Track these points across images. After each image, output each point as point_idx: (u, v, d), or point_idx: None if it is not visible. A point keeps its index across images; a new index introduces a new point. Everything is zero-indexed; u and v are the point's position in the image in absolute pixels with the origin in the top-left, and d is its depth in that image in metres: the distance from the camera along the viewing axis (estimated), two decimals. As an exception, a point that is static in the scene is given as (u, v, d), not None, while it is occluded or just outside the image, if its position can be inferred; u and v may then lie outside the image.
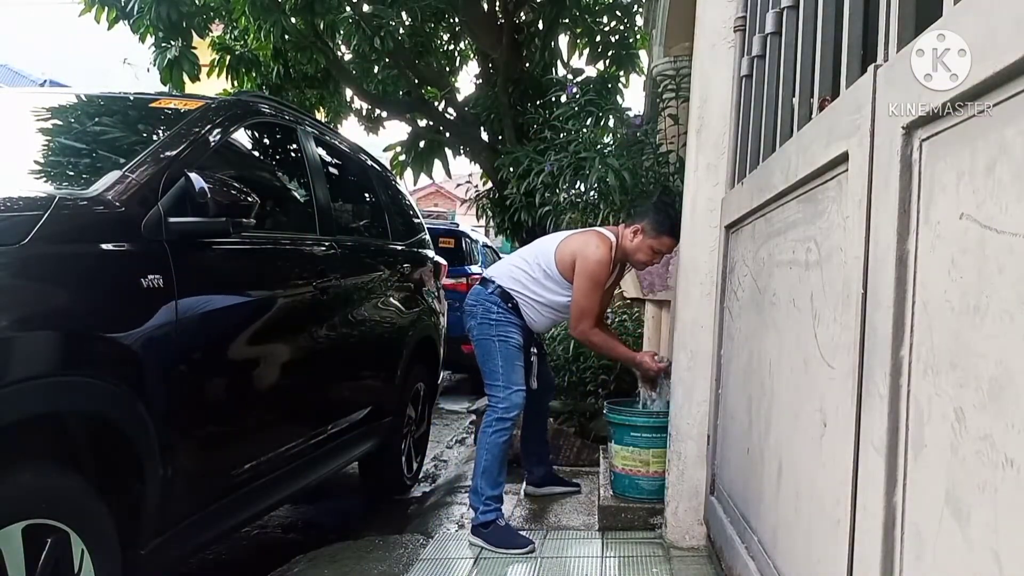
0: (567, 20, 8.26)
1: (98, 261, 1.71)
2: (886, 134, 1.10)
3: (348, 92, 9.36)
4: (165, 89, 7.29)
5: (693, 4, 2.79)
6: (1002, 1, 0.81)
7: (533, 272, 3.01)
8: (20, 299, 1.49)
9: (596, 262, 2.92)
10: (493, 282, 3.04)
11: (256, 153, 2.81)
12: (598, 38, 8.41)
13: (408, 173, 9.13)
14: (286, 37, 7.37)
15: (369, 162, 3.79)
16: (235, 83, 8.48)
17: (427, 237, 4.31)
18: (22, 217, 1.56)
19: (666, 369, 3.00)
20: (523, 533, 2.84)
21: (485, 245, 8.94)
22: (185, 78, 7.50)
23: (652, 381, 3.13)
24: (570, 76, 8.21)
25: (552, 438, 3.97)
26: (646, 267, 3.09)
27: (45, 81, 14.39)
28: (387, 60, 8.16)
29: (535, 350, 3.16)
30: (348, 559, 2.65)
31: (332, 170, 3.27)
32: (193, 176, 1.94)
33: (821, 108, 1.57)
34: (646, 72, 7.59)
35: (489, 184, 8.45)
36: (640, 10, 8.15)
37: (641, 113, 5.96)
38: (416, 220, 4.24)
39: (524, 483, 3.45)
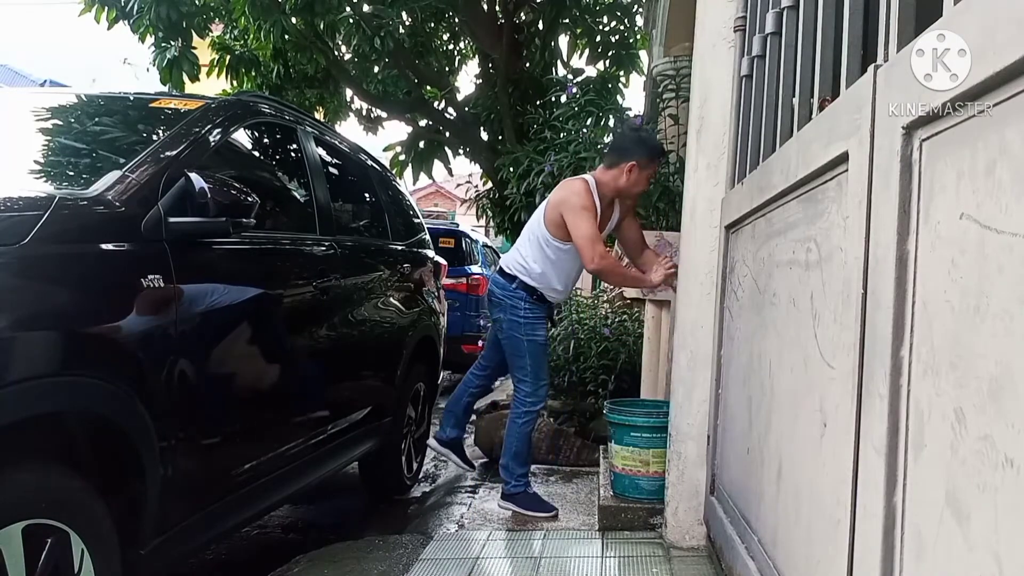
0: (567, 20, 8.26)
1: (98, 261, 1.71)
2: (886, 134, 1.10)
3: (348, 92, 9.36)
4: (165, 89, 7.29)
5: (693, 4, 2.79)
6: (1002, 1, 0.81)
7: (539, 256, 3.12)
8: (20, 299, 1.48)
9: (575, 194, 3.04)
10: (516, 278, 3.15)
11: (256, 153, 2.81)
12: (598, 38, 8.40)
13: (408, 173, 9.13)
14: (286, 37, 7.37)
15: (369, 162, 3.79)
16: (235, 83, 8.48)
17: (427, 237, 4.31)
18: (22, 217, 1.56)
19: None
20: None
21: (485, 245, 8.95)
22: (185, 78, 7.50)
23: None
24: (570, 76, 8.21)
25: (552, 438, 3.97)
26: (638, 188, 3.16)
27: (45, 81, 14.37)
28: (387, 60, 8.15)
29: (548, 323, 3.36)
30: (348, 559, 2.65)
31: (332, 170, 3.27)
32: (193, 176, 1.94)
33: (821, 108, 1.57)
34: (646, 72, 7.60)
35: (489, 184, 8.45)
36: (640, 10, 8.16)
37: (641, 113, 5.96)
38: (416, 220, 4.24)
39: (432, 436, 3.71)
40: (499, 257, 9.50)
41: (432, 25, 8.86)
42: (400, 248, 3.76)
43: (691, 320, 2.68)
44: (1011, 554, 0.77)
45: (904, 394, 1.03)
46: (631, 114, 5.26)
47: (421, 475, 4.08)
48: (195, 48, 7.67)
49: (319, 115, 8.88)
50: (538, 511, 3.09)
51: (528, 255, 3.14)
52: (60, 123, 2.52)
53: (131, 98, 2.57)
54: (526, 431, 3.16)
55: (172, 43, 7.42)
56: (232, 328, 2.18)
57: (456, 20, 8.72)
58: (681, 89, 4.52)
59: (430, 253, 4.26)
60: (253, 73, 8.45)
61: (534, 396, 3.14)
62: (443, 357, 4.31)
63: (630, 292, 3.85)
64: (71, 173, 2.14)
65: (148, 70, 7.78)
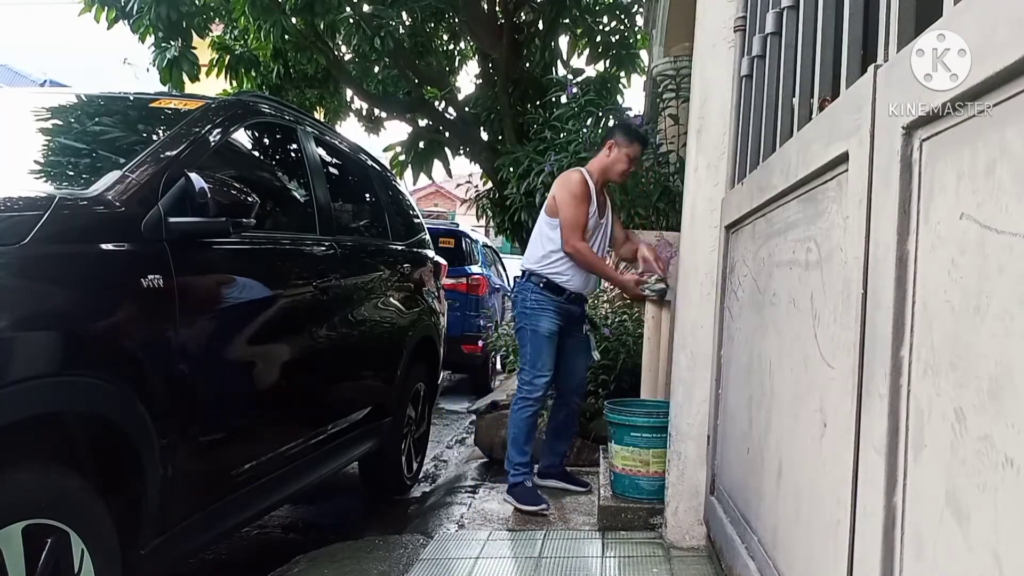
0: (567, 20, 8.26)
1: (98, 261, 1.71)
2: (886, 134, 1.10)
3: (348, 92, 9.36)
4: (165, 89, 7.29)
5: (693, 4, 2.79)
6: (1002, 1, 0.81)
7: (543, 241, 3.27)
8: (20, 299, 1.49)
9: (568, 182, 3.23)
10: (526, 271, 3.32)
11: (256, 153, 2.81)
12: (598, 38, 8.41)
13: (408, 173, 9.13)
14: (286, 37, 7.38)
15: (369, 162, 3.79)
16: (235, 83, 8.48)
17: (427, 237, 4.31)
18: (22, 217, 1.56)
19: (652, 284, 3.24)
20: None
21: (485, 245, 8.94)
22: (185, 78, 7.50)
23: (639, 296, 3.32)
24: (570, 76, 8.22)
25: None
26: (620, 177, 3.36)
27: (45, 81, 14.37)
28: (387, 60, 8.16)
29: (587, 326, 3.40)
30: (348, 559, 2.65)
31: (332, 170, 3.27)
32: (193, 176, 1.94)
33: (821, 108, 1.57)
34: (646, 72, 7.60)
35: (489, 184, 8.45)
36: (640, 10, 8.16)
37: (641, 113, 5.97)
38: (416, 220, 4.24)
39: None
40: (499, 257, 9.52)
41: (432, 25, 8.86)
42: (400, 248, 3.76)
43: (691, 320, 2.68)
44: (1011, 554, 0.77)
45: (904, 394, 1.03)
46: (631, 114, 5.26)
47: (421, 475, 4.08)
48: (195, 48, 7.67)
49: (319, 115, 8.89)
50: (527, 504, 3.14)
51: (536, 248, 3.31)
52: (60, 123, 2.52)
53: (131, 98, 2.57)
54: (522, 417, 3.23)
55: (172, 43, 7.42)
56: (232, 328, 2.18)
57: (456, 20, 8.72)
58: (681, 89, 4.53)
59: (430, 253, 4.26)
60: (253, 73, 8.45)
61: (530, 385, 3.21)
62: (443, 357, 4.31)
63: (630, 292, 3.85)
64: (71, 173, 2.14)
65: (148, 70, 7.79)
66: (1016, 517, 0.76)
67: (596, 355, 3.41)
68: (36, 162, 2.16)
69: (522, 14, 8.36)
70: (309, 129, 3.07)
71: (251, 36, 8.02)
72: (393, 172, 5.02)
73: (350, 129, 22.94)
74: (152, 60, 7.58)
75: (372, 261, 3.37)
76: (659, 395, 3.46)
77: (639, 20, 8.33)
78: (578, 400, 3.51)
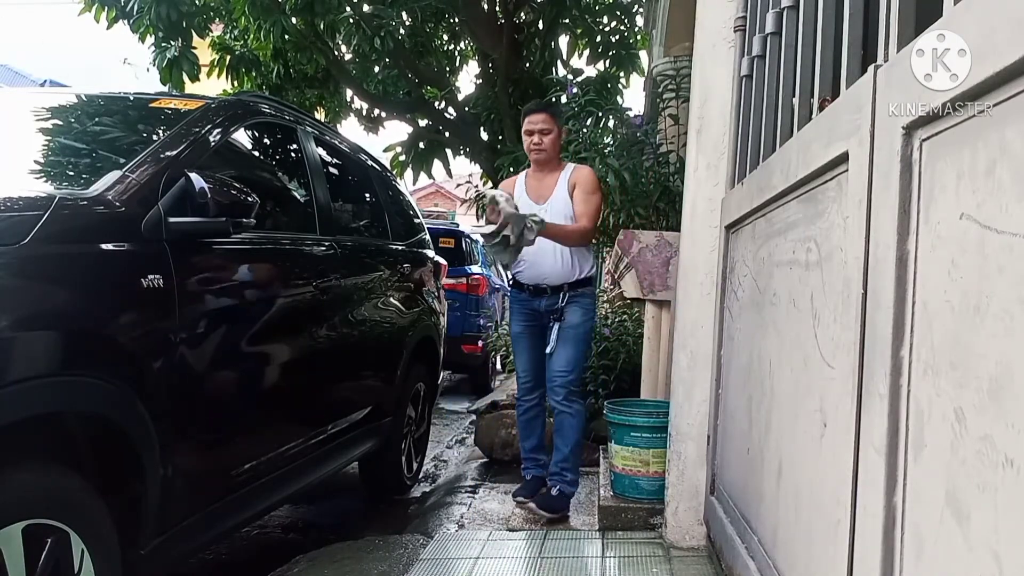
0: (567, 20, 8.27)
1: (98, 261, 1.71)
2: (886, 134, 1.10)
3: (348, 92, 9.36)
4: (165, 89, 7.29)
5: (693, 4, 2.79)
6: (1002, 1, 0.81)
7: None
8: (20, 299, 1.49)
9: None
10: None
11: (256, 153, 2.81)
12: (598, 38, 8.41)
13: (408, 173, 9.14)
14: (286, 37, 7.38)
15: (369, 162, 3.79)
16: (235, 83, 8.48)
17: (427, 237, 4.31)
18: (22, 217, 1.56)
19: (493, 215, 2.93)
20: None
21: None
22: (185, 78, 7.51)
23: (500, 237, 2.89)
24: (570, 76, 8.22)
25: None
26: (532, 154, 3.11)
27: (45, 81, 14.35)
28: (387, 60, 8.16)
29: (562, 318, 3.03)
30: (348, 559, 2.65)
31: (332, 170, 3.27)
32: (193, 176, 1.94)
33: (821, 108, 1.57)
34: (646, 72, 7.60)
35: (489, 184, 8.45)
36: (640, 10, 8.16)
37: (641, 113, 5.96)
38: (416, 220, 4.24)
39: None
40: (499, 257, 9.51)
41: (432, 25, 8.87)
42: (400, 248, 3.76)
43: (691, 320, 2.68)
44: (1011, 554, 0.77)
45: (904, 394, 1.03)
46: (631, 114, 5.25)
47: (421, 475, 4.08)
48: (195, 48, 7.68)
49: (319, 115, 8.89)
50: (516, 494, 3.24)
51: None
52: (60, 123, 2.52)
53: (131, 98, 2.57)
54: (517, 417, 3.33)
55: (172, 43, 7.43)
56: (232, 328, 2.18)
57: (456, 20, 8.73)
58: (681, 89, 4.52)
59: (430, 253, 4.26)
60: (253, 73, 8.46)
61: (517, 385, 3.31)
62: (443, 357, 4.30)
63: (630, 292, 3.84)
64: (71, 173, 2.14)
65: (148, 70, 7.80)
66: (1016, 517, 0.76)
67: (551, 346, 3.02)
68: (36, 162, 2.16)
69: (522, 14, 8.36)
70: (309, 129, 3.07)
71: (251, 36, 8.02)
72: (393, 172, 5.02)
73: (350, 129, 22.93)
74: (152, 60, 7.59)
75: (372, 261, 3.37)
76: (659, 395, 3.46)
77: (639, 20, 8.34)
78: (555, 399, 3.05)
